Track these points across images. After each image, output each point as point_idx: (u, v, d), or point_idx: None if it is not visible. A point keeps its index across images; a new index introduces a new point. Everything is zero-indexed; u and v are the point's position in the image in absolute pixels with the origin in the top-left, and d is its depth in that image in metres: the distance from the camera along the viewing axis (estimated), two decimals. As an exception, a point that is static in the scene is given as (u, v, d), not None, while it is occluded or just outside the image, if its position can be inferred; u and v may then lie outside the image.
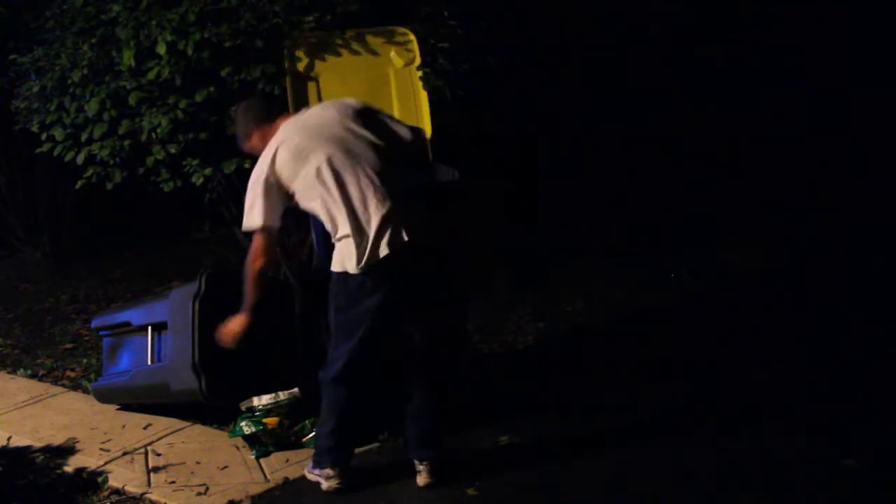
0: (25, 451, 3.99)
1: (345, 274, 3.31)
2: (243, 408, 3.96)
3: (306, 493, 3.55)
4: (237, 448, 3.92)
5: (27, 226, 7.40)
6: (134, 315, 4.33)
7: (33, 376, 5.06)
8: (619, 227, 6.85)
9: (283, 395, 3.94)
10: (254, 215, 3.34)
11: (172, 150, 4.34)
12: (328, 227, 3.35)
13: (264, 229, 3.34)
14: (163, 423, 4.22)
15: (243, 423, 3.89)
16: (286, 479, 3.67)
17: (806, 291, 5.87)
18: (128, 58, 4.27)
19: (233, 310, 3.64)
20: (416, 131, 3.61)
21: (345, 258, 3.30)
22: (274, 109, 3.60)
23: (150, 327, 4.20)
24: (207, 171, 4.32)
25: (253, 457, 3.84)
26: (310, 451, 3.76)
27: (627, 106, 7.06)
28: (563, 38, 6.81)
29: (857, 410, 4.11)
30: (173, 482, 3.65)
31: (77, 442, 4.05)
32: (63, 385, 4.89)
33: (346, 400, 3.47)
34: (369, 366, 3.46)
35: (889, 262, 6.16)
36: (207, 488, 3.58)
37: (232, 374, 3.97)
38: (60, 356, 5.36)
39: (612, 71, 7.06)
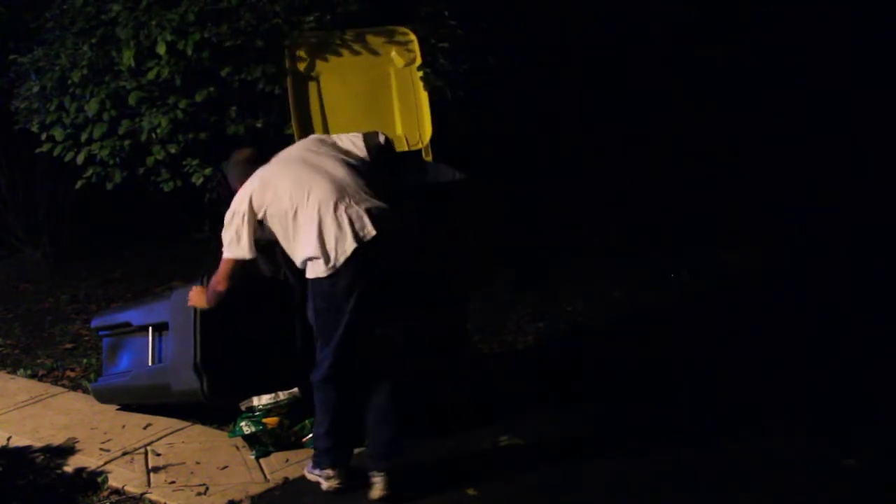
0: (25, 451, 3.99)
1: (318, 278, 3.36)
2: (243, 408, 3.96)
3: (306, 493, 3.55)
4: (237, 448, 3.92)
5: (27, 226, 7.40)
6: (134, 315, 4.33)
7: (33, 376, 5.06)
8: (619, 227, 6.85)
9: (282, 395, 3.94)
10: (243, 246, 3.46)
11: (172, 150, 4.34)
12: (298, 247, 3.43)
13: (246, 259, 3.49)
14: (163, 423, 4.22)
15: (243, 423, 3.89)
16: (286, 479, 3.67)
17: (806, 291, 5.87)
18: (128, 58, 4.28)
19: (235, 310, 3.65)
20: (376, 137, 3.64)
21: (315, 264, 3.36)
22: (258, 162, 3.61)
23: (151, 328, 4.19)
24: (207, 170, 4.33)
25: (253, 457, 3.84)
26: (310, 451, 3.76)
27: (627, 105, 7.06)
28: (563, 38, 6.82)
29: (857, 410, 4.11)
30: (173, 482, 3.65)
31: (77, 442, 4.04)
32: (63, 385, 4.89)
33: (337, 400, 3.48)
34: (354, 365, 3.47)
35: (889, 262, 6.16)
36: (207, 488, 3.58)
37: (233, 375, 3.97)
38: (60, 356, 5.36)
39: (612, 71, 7.06)
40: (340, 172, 3.42)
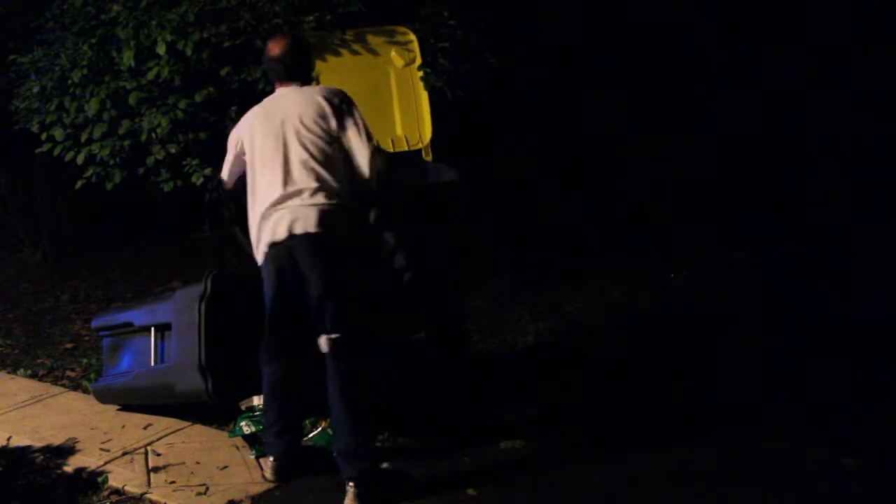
0: (25, 451, 3.99)
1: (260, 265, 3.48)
2: (243, 407, 3.96)
3: (306, 493, 3.55)
4: (237, 448, 3.92)
5: (27, 226, 7.40)
6: (136, 316, 4.32)
7: (33, 376, 5.06)
8: (619, 227, 6.86)
9: (283, 395, 3.94)
10: (224, 169, 3.67)
11: (172, 150, 4.34)
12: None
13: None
14: (163, 423, 4.22)
15: (243, 423, 3.89)
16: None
17: (806, 291, 5.88)
18: (128, 58, 4.28)
19: (238, 311, 3.65)
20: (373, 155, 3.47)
21: (255, 247, 3.48)
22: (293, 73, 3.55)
23: (153, 328, 4.19)
24: (207, 170, 4.33)
25: (253, 457, 3.84)
26: (309, 451, 3.78)
27: (628, 105, 7.06)
28: (564, 39, 6.82)
29: (857, 410, 4.11)
30: (173, 482, 3.64)
31: (77, 442, 4.04)
32: (63, 385, 4.89)
33: (270, 390, 3.59)
34: (288, 359, 3.54)
35: (889, 262, 6.16)
36: (207, 488, 3.58)
37: (236, 374, 3.97)
38: (60, 356, 5.36)
39: (612, 71, 7.06)
40: (303, 160, 3.38)
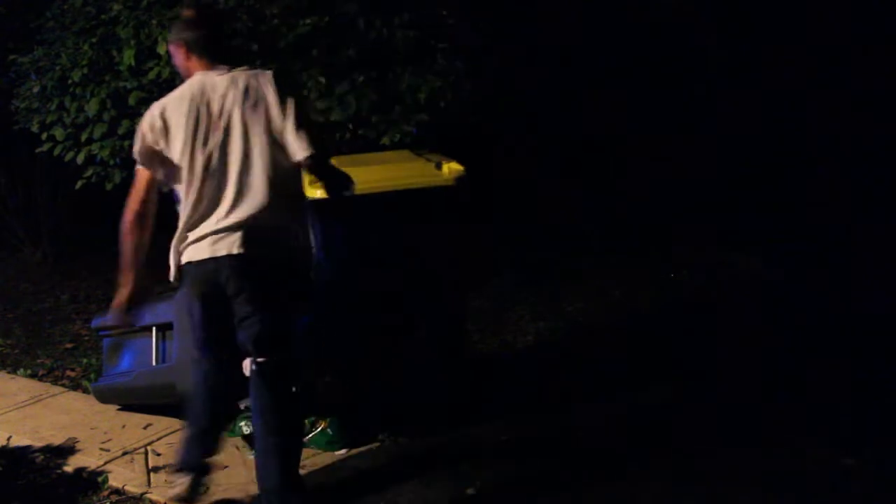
0: (25, 451, 3.99)
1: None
2: (243, 407, 3.96)
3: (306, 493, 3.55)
4: (237, 448, 3.92)
5: (27, 226, 7.40)
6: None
7: (33, 376, 5.07)
8: (619, 227, 6.86)
9: (282, 395, 3.94)
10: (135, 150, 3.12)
11: None
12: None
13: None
14: (163, 423, 4.22)
15: (243, 423, 3.90)
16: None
17: (806, 291, 5.87)
18: (128, 57, 4.28)
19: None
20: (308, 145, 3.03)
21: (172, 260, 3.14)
22: (208, 50, 3.08)
23: (154, 328, 4.19)
24: None
25: (252, 457, 3.84)
26: (309, 451, 3.78)
27: (628, 105, 7.06)
28: (564, 39, 6.82)
29: (857, 410, 4.11)
30: (173, 482, 3.64)
31: (77, 442, 4.05)
32: (63, 385, 4.90)
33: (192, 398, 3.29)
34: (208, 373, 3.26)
35: (889, 262, 6.16)
36: (207, 488, 3.57)
37: (237, 374, 3.97)
38: (60, 356, 5.37)
39: (612, 71, 7.06)
40: (236, 167, 2.98)
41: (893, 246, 6.30)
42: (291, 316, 3.20)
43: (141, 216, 3.13)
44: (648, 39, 7.19)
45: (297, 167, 3.06)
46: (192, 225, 3.06)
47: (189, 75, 3.10)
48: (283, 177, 3.03)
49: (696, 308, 5.77)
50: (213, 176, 3.00)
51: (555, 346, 5.27)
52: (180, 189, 3.09)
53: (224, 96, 3.00)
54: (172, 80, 4.25)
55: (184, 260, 3.10)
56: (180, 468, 3.22)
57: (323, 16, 4.21)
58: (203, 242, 3.03)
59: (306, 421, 3.93)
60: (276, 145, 3.00)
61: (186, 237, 3.09)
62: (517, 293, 6.07)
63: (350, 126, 4.02)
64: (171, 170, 3.08)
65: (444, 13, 4.49)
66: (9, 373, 5.16)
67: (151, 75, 4.26)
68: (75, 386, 4.86)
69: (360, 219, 3.78)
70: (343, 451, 3.86)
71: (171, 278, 3.18)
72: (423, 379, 4.01)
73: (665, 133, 7.14)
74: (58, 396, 4.70)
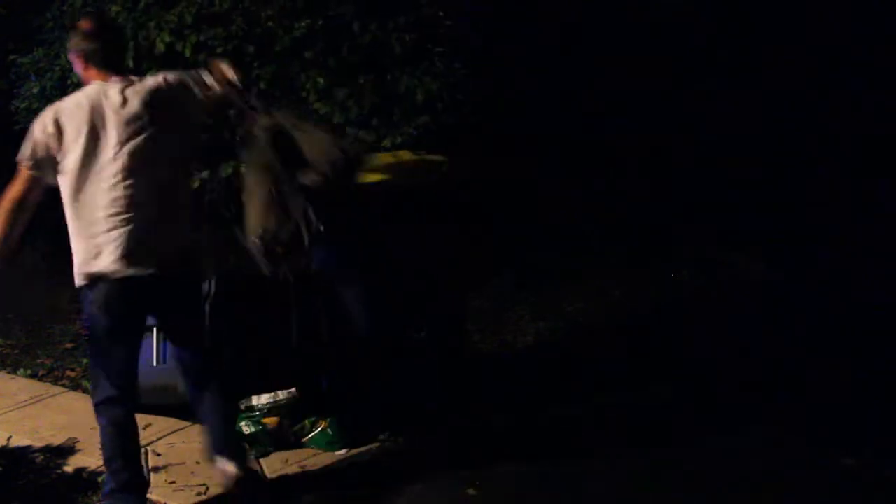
0: (25, 451, 3.99)
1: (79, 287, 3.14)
2: (243, 407, 3.96)
3: (306, 493, 3.55)
4: (237, 448, 3.92)
5: (27, 226, 7.39)
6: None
7: (33, 376, 5.07)
8: (619, 227, 6.86)
9: (281, 395, 3.94)
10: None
11: None
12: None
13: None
14: (163, 423, 4.21)
15: (242, 423, 3.90)
16: (287, 478, 3.67)
17: (806, 291, 5.87)
18: (126, 59, 4.28)
19: (241, 311, 3.62)
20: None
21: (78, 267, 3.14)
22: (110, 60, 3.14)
23: (155, 328, 4.19)
24: (205, 173, 4.32)
25: (253, 457, 3.84)
26: (309, 451, 3.78)
27: (629, 106, 7.06)
28: (564, 39, 6.82)
29: (857, 410, 4.11)
30: (173, 482, 3.64)
31: (77, 442, 4.04)
32: (63, 385, 4.89)
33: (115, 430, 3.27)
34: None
35: (889, 262, 6.16)
36: (207, 488, 3.58)
37: (238, 374, 3.98)
38: (60, 356, 5.36)
39: (614, 72, 7.06)
40: (132, 178, 3.02)
41: (893, 246, 6.31)
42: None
43: (19, 205, 3.20)
44: (649, 39, 7.19)
45: (188, 174, 3.21)
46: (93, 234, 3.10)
47: (88, 83, 3.16)
48: (175, 184, 3.14)
49: (696, 308, 5.77)
50: (105, 182, 3.04)
51: (555, 346, 5.27)
52: (67, 192, 3.12)
53: (119, 106, 3.05)
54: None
55: (96, 269, 3.11)
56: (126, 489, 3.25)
57: (317, 18, 4.20)
58: (115, 254, 3.06)
59: (306, 421, 3.94)
60: (169, 152, 3.08)
61: (87, 246, 3.12)
62: (517, 293, 6.07)
63: (347, 129, 4.01)
64: (61, 173, 3.10)
65: (442, 14, 4.48)
66: (9, 373, 5.15)
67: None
68: (75, 386, 4.86)
69: (361, 218, 3.78)
70: (343, 451, 3.86)
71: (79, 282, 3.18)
72: (423, 379, 4.01)
73: (665, 133, 7.14)
74: (58, 396, 4.70)
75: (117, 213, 3.04)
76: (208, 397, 3.34)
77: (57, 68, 4.72)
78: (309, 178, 3.14)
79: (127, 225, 3.04)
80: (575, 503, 3.45)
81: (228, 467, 3.31)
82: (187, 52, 4.12)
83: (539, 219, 6.78)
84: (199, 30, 4.14)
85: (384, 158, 4.13)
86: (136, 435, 3.30)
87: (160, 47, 4.13)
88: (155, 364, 4.18)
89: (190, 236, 3.21)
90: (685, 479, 3.55)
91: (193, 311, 3.33)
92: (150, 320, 4.20)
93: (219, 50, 4.12)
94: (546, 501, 3.48)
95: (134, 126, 3.03)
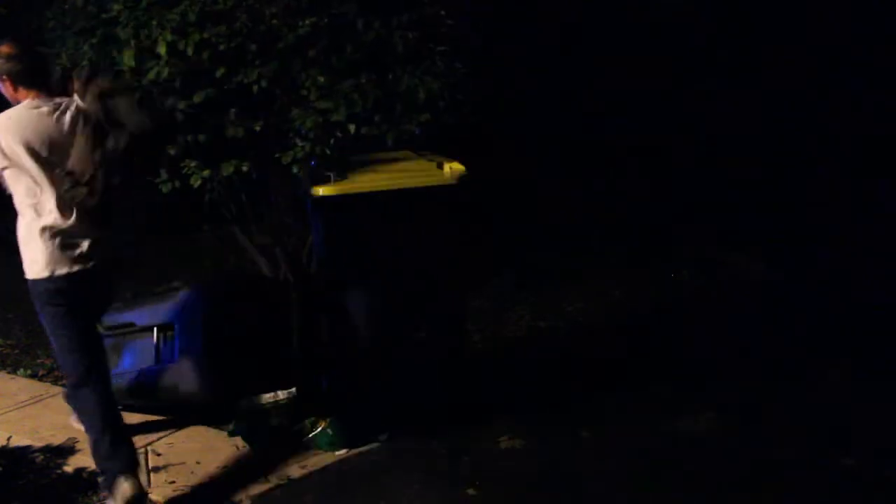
0: (25, 451, 3.99)
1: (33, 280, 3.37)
2: (243, 407, 3.97)
3: (306, 493, 3.55)
4: (237, 448, 3.92)
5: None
6: (138, 316, 4.33)
7: (33, 376, 5.07)
8: (619, 227, 6.86)
9: (282, 395, 3.95)
10: None
11: (171, 152, 4.33)
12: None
13: None
14: (163, 423, 4.22)
15: (243, 423, 3.90)
16: (286, 478, 3.67)
17: (806, 291, 5.88)
18: (128, 58, 4.27)
19: (242, 311, 3.62)
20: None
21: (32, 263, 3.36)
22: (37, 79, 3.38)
23: (155, 328, 4.20)
24: (206, 172, 4.32)
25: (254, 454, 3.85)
26: (309, 451, 3.78)
27: (629, 106, 7.07)
28: (564, 39, 6.82)
29: (857, 410, 4.12)
30: (173, 482, 3.65)
31: (77, 442, 4.04)
32: (63, 385, 4.88)
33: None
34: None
35: (889, 262, 6.16)
36: (208, 488, 3.58)
37: (239, 374, 3.98)
38: (60, 356, 5.36)
39: (614, 72, 7.06)
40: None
41: (893, 246, 6.31)
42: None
43: None
44: (649, 39, 7.19)
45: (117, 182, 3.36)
46: (53, 233, 3.30)
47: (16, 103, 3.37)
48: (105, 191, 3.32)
49: (696, 308, 5.77)
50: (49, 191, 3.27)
51: (555, 346, 5.27)
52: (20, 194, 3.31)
53: (51, 122, 3.28)
54: (172, 80, 4.24)
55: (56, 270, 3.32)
56: (123, 471, 3.35)
57: (322, 16, 4.20)
58: (67, 254, 3.31)
59: (307, 421, 3.94)
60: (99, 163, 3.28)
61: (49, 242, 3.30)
62: (517, 293, 6.08)
63: (350, 126, 4.00)
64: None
65: (443, 13, 4.47)
66: (9, 373, 5.15)
67: (151, 75, 4.24)
68: (75, 386, 4.85)
69: (361, 218, 3.79)
70: (343, 451, 3.87)
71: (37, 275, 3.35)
72: (423, 379, 4.01)
73: (665, 133, 7.14)
74: (58, 396, 4.69)
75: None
76: None
77: (57, 68, 4.70)
78: (122, 137, 3.32)
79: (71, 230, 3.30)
80: (575, 503, 3.45)
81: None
82: (190, 51, 4.11)
83: (539, 219, 6.79)
84: (203, 28, 4.12)
85: (384, 157, 4.14)
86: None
87: (162, 46, 4.12)
88: (155, 364, 4.18)
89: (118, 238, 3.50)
90: (685, 479, 3.55)
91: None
92: (151, 320, 4.23)
93: (221, 47, 4.11)
94: (546, 501, 3.48)
95: (67, 140, 3.27)
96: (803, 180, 7.16)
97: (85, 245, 3.32)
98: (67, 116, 3.32)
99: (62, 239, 3.29)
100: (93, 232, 3.33)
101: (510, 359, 5.13)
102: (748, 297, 5.90)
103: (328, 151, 3.95)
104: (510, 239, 6.41)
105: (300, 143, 3.99)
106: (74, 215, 3.29)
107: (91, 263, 3.33)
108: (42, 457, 3.93)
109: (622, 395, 4.40)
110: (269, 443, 3.89)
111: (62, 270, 3.30)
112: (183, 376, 4.02)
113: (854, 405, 4.17)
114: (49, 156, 3.24)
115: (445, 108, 4.23)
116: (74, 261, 3.30)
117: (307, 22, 4.19)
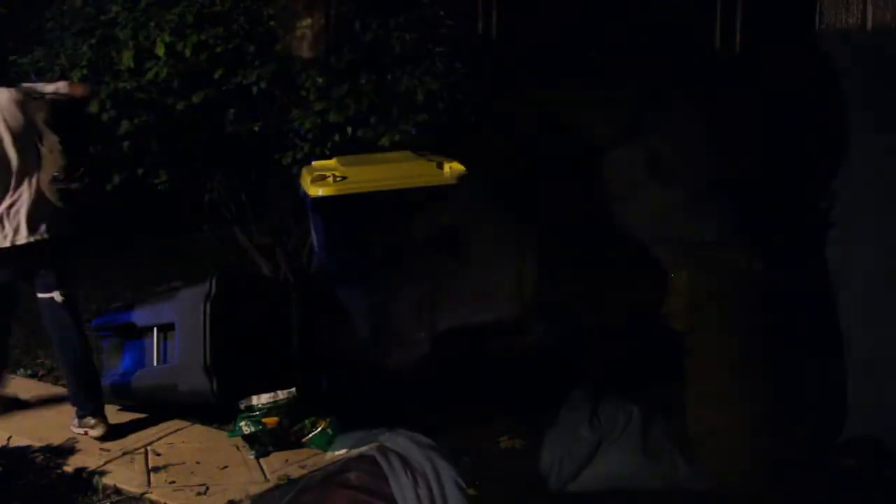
0: (25, 450, 3.99)
1: None
2: (243, 407, 3.96)
3: (304, 493, 3.55)
4: (237, 448, 3.93)
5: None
6: (138, 316, 4.33)
7: (33, 376, 5.07)
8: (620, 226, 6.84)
9: (281, 395, 3.95)
10: None
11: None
12: None
13: None
14: (163, 423, 4.22)
15: (243, 423, 3.90)
16: (286, 478, 3.67)
17: (806, 291, 5.86)
18: (127, 58, 4.28)
19: (242, 311, 3.62)
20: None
21: None
22: None
23: (155, 328, 4.20)
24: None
25: (253, 457, 3.85)
26: (309, 451, 3.78)
27: (628, 105, 7.05)
28: (564, 38, 6.81)
29: (857, 410, 4.11)
30: (173, 482, 3.65)
31: (77, 442, 4.05)
32: (63, 385, 4.88)
33: None
34: None
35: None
36: (207, 488, 3.58)
37: (239, 374, 3.98)
38: (60, 356, 5.35)
39: (614, 71, 7.05)
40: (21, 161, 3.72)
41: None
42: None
43: None
44: (649, 39, 7.19)
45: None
46: None
47: None
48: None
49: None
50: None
51: (554, 346, 5.26)
52: None
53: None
54: (171, 80, 4.25)
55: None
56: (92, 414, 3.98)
57: (319, 17, 4.20)
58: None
59: (306, 421, 3.94)
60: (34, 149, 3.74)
61: None
62: (517, 293, 6.06)
63: (348, 128, 4.00)
64: None
65: (442, 13, 4.48)
66: (9, 373, 5.15)
67: (150, 76, 4.26)
68: (75, 386, 4.85)
69: (361, 217, 3.79)
70: (343, 451, 3.86)
71: None
72: (422, 379, 4.01)
73: (665, 132, 7.13)
74: (58, 396, 4.70)
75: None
76: None
77: (57, 68, 4.71)
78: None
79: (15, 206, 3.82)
80: (575, 503, 3.45)
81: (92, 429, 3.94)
82: (188, 52, 4.13)
83: (539, 219, 6.77)
84: (200, 29, 4.14)
85: (384, 157, 4.14)
86: None
87: (161, 48, 4.13)
88: (155, 364, 4.19)
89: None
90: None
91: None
92: (151, 320, 4.23)
93: (219, 49, 4.12)
94: (546, 501, 3.48)
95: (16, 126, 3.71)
96: (803, 180, 7.14)
97: None
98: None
99: None
100: None
101: (510, 359, 5.11)
102: (748, 296, 5.88)
103: (327, 152, 3.96)
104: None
105: (300, 144, 4.00)
106: None
107: None
108: (42, 457, 3.93)
109: (622, 394, 4.39)
110: (269, 443, 3.89)
111: None
112: (183, 376, 4.02)
113: (854, 405, 4.16)
114: None
115: (445, 108, 4.24)
116: None
117: (305, 24, 4.20)
